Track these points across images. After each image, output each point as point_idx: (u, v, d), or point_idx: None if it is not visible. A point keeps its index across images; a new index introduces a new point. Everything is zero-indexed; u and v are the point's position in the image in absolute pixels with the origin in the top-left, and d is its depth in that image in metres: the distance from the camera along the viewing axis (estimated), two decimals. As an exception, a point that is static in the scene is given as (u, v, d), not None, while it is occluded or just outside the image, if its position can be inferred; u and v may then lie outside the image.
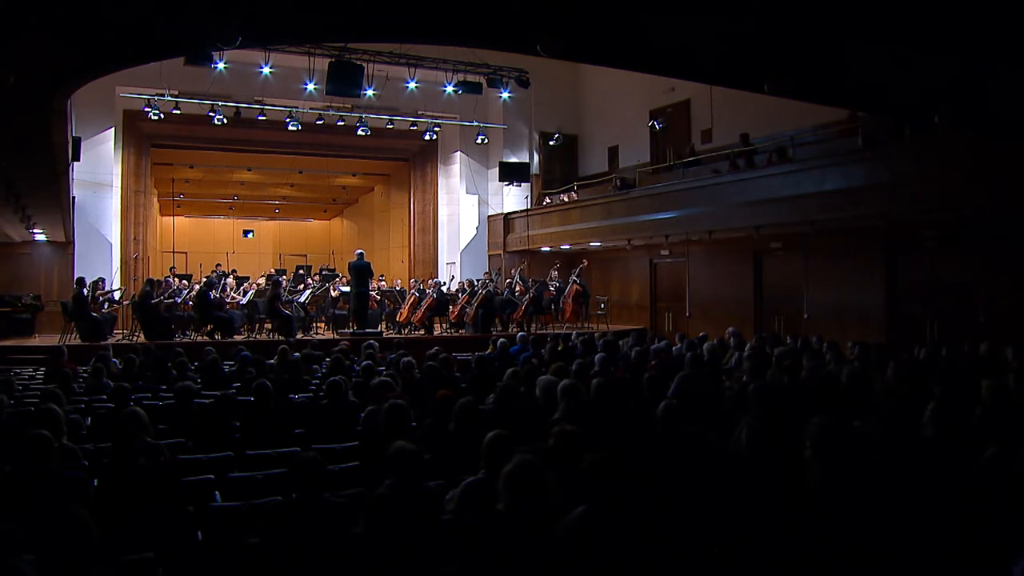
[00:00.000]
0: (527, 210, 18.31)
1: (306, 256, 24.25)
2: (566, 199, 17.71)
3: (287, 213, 26.68)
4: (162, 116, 14.94)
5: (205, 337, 12.62)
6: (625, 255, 16.91)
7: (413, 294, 14.47)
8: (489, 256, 19.04)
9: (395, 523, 3.06)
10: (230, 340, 12.16)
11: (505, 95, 17.71)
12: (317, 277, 15.97)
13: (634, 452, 3.25)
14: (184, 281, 14.37)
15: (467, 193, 19.18)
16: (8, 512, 3.16)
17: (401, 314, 14.50)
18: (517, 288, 15.47)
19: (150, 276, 14.76)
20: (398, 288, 15.40)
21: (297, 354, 8.75)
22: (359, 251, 14.06)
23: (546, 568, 2.62)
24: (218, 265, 16.46)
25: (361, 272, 13.50)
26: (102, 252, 15.37)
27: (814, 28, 5.31)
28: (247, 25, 5.25)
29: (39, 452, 3.54)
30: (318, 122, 16.43)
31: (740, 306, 14.07)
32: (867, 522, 2.85)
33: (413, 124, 17.06)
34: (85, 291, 12.11)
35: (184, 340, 12.21)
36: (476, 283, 15.18)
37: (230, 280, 14.87)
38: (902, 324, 11.33)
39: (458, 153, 19.05)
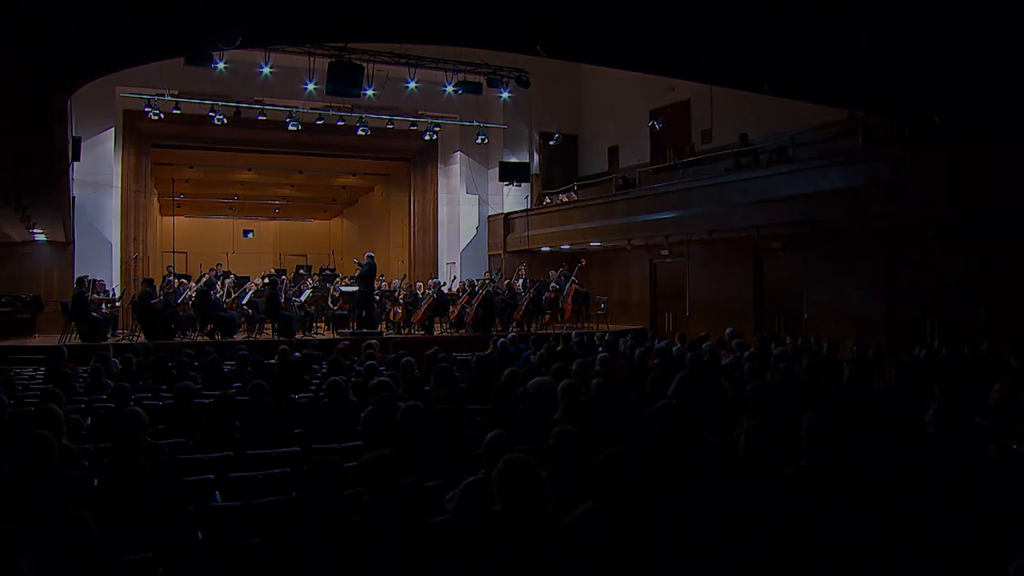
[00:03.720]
0: (527, 210, 18.31)
1: (306, 256, 24.22)
2: (566, 199, 17.70)
3: (287, 213, 26.69)
4: (162, 116, 14.94)
5: (205, 337, 12.62)
6: (625, 255, 16.90)
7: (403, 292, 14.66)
8: (489, 256, 19.05)
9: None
10: (230, 340, 12.17)
11: (505, 95, 17.69)
12: (317, 277, 15.95)
13: (633, 452, 3.24)
14: (184, 281, 14.31)
15: (467, 193, 19.18)
16: (8, 512, 3.16)
17: (396, 314, 14.57)
18: (519, 285, 15.48)
19: (150, 276, 14.72)
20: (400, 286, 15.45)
21: (297, 354, 8.75)
22: (369, 253, 14.18)
23: (544, 567, 2.61)
24: (218, 265, 16.37)
25: (369, 274, 13.59)
26: (102, 252, 15.37)
27: (814, 28, 5.31)
28: (247, 25, 5.25)
29: (39, 452, 3.54)
30: (318, 122, 16.43)
31: (740, 306, 14.06)
32: (866, 520, 2.85)
33: (413, 124, 17.05)
34: (85, 291, 12.11)
35: (184, 340, 12.21)
36: (476, 283, 15.19)
37: (225, 282, 14.39)
38: (902, 324, 11.32)
39: (458, 153, 19.05)
